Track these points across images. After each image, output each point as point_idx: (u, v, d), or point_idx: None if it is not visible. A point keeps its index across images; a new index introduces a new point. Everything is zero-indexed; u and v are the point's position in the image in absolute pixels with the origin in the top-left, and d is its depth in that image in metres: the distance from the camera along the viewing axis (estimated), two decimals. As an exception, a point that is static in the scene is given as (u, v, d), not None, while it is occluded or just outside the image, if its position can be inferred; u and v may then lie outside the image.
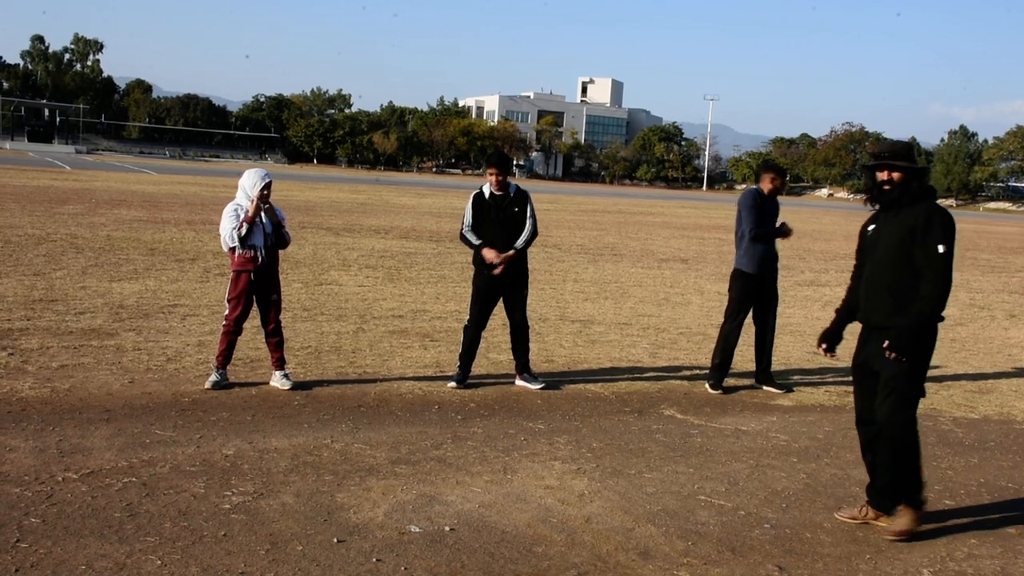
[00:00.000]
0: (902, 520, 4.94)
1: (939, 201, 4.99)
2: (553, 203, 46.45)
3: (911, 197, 4.89)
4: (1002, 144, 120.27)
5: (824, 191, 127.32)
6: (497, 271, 7.73)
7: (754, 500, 5.42)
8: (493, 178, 7.76)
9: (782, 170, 8.44)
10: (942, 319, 4.89)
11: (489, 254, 7.72)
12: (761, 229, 8.17)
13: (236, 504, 4.86)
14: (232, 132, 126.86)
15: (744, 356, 9.12)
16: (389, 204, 37.09)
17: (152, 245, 16.73)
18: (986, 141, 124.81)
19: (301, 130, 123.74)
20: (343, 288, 12.98)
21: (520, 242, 7.75)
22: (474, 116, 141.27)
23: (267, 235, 7.29)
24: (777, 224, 8.36)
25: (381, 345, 9.22)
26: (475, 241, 7.84)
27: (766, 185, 8.28)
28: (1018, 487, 5.96)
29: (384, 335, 9.75)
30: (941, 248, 4.76)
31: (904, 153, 4.92)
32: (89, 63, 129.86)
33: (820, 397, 8.16)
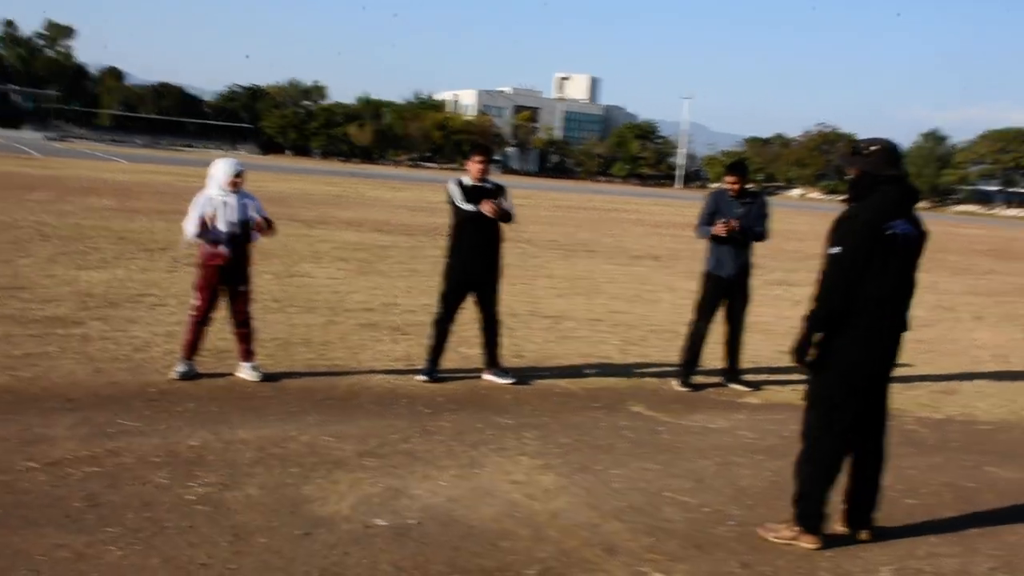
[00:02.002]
0: (786, 532, 4.81)
1: (918, 206, 4.93)
2: (528, 198, 46.43)
3: (856, 195, 4.82)
4: (973, 148, 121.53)
5: (797, 191, 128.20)
6: (488, 210, 7.58)
7: (720, 497, 5.45)
8: (478, 165, 7.69)
9: (740, 169, 8.37)
10: (822, 326, 4.66)
11: (486, 206, 7.59)
12: (700, 227, 8.32)
13: (200, 495, 4.83)
14: (206, 122, 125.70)
15: (713, 354, 9.18)
16: (363, 197, 36.94)
17: (122, 234, 16.57)
18: (956, 145, 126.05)
19: (275, 121, 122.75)
20: (314, 280, 12.93)
21: (507, 205, 7.69)
22: (450, 110, 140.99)
23: (234, 229, 7.21)
24: (728, 221, 8.20)
25: (351, 338, 9.19)
26: (468, 207, 7.66)
27: (728, 185, 8.30)
28: (979, 487, 6.04)
29: (354, 328, 9.71)
30: (832, 249, 4.59)
31: (855, 150, 4.87)
32: (61, 49, 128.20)
33: (788, 396, 8.22)
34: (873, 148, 4.75)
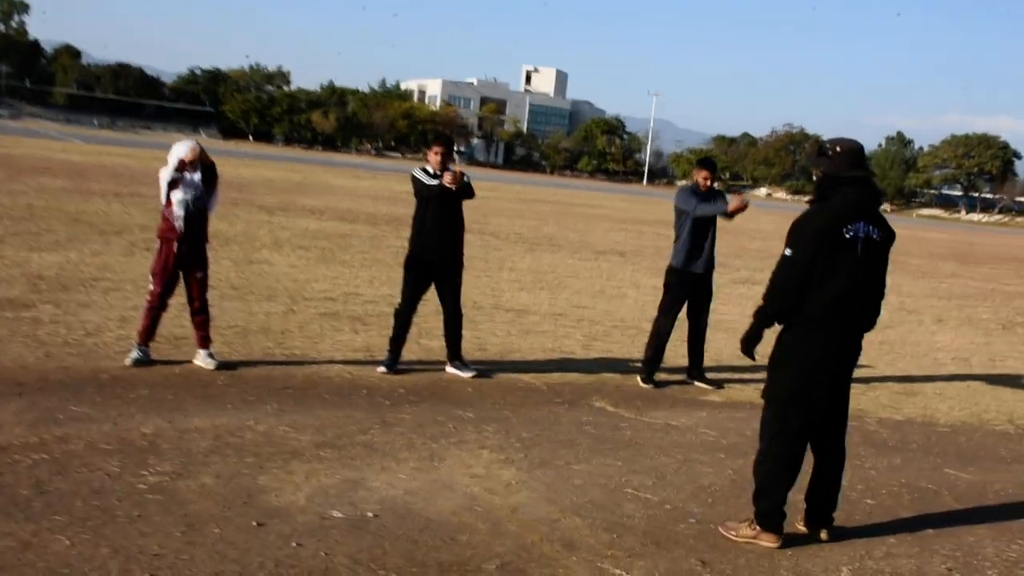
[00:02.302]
0: (746, 530, 4.85)
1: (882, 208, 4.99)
2: (493, 191, 46.38)
3: (820, 196, 4.84)
4: (937, 152, 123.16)
5: (763, 190, 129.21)
6: (449, 181, 7.56)
7: (681, 494, 5.48)
8: (437, 156, 7.68)
9: (712, 165, 8.47)
10: (771, 323, 4.78)
11: (447, 177, 7.57)
12: (704, 206, 8.18)
13: (152, 484, 4.76)
14: (165, 104, 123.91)
15: (677, 351, 9.22)
16: (326, 185, 36.71)
17: (76, 216, 16.32)
18: (921, 149, 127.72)
19: (237, 105, 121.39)
20: (274, 268, 12.82)
21: (467, 178, 7.66)
22: (416, 100, 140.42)
23: (189, 207, 7.11)
24: (742, 195, 8.33)
25: (311, 327, 9.13)
26: (433, 182, 7.65)
27: (700, 181, 8.33)
28: (938, 488, 6.12)
29: (314, 317, 9.65)
30: (786, 250, 4.66)
31: (821, 150, 4.90)
32: (14, 24, 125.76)
33: (750, 394, 8.28)
34: (838, 149, 4.77)
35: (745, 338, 4.90)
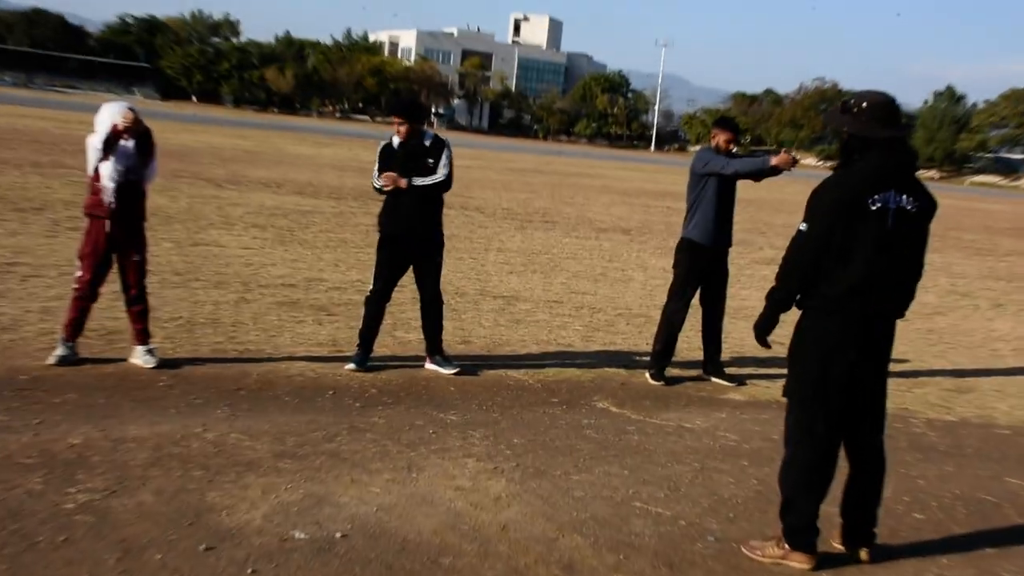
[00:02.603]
0: (773, 550, 4.86)
1: (919, 173, 4.94)
2: (476, 159, 46.36)
3: (845, 161, 4.76)
4: (994, 109, 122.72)
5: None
6: (383, 184, 7.69)
7: (697, 508, 5.48)
8: (398, 128, 7.73)
9: (735, 126, 8.47)
10: (788, 306, 4.82)
11: (384, 179, 7.68)
12: (737, 161, 8.10)
13: (82, 503, 4.73)
14: (91, 58, 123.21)
15: (691, 343, 9.22)
16: (283, 153, 36.61)
17: (-10, 191, 16.22)
18: (975, 105, 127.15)
19: (178, 60, 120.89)
20: (224, 250, 12.80)
21: (421, 180, 7.66)
22: (387, 53, 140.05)
23: (121, 177, 7.05)
24: (735, 196, 8.38)
25: (267, 318, 9.12)
26: (377, 183, 7.82)
27: (717, 142, 8.30)
28: (998, 500, 6.14)
29: (271, 306, 9.64)
30: (801, 225, 4.68)
31: (844, 107, 4.85)
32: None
33: (776, 392, 8.28)
34: (864, 104, 4.69)
35: (758, 323, 4.95)
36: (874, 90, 4.81)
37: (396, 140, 7.78)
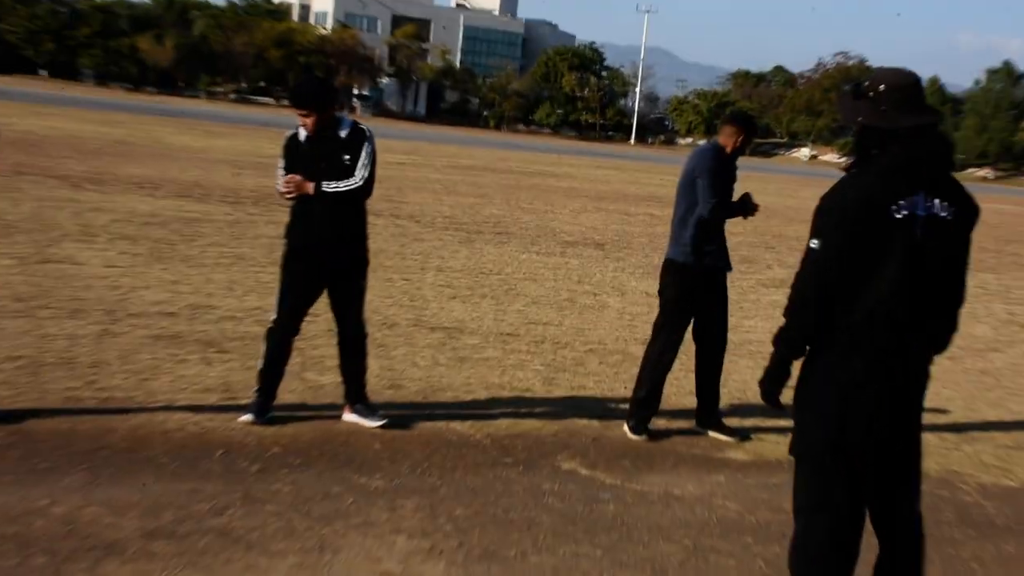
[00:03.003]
0: None
1: (968, 172, 4.92)
2: (411, 154, 46.41)
3: (860, 159, 4.79)
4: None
5: (805, 151, 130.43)
6: (283, 189, 7.73)
7: (690, 598, 5.48)
8: (304, 121, 7.68)
9: (753, 124, 8.62)
10: (795, 351, 4.71)
11: (286, 182, 7.71)
12: (719, 203, 8.29)
13: None
14: None
15: (681, 386, 9.24)
16: (161, 144, 36.43)
17: None
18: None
19: (21, 23, 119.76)
20: (83, 269, 12.70)
21: (333, 186, 7.62)
22: (296, 19, 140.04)
23: None
24: (735, 196, 8.54)
25: (139, 356, 9.04)
26: (278, 185, 7.85)
27: (727, 141, 8.38)
28: (1066, 585, 6.19)
29: (145, 341, 9.56)
30: (811, 242, 4.60)
31: (857, 91, 4.81)
32: None
33: (786, 449, 8.32)
34: (882, 87, 4.66)
35: (764, 378, 4.80)
36: (894, 68, 4.75)
37: (303, 132, 7.77)
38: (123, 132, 40.72)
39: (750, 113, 8.91)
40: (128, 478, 6.35)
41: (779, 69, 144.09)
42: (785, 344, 4.68)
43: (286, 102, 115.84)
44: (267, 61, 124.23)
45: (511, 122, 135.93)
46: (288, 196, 7.71)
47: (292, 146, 7.82)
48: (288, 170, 7.77)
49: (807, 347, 4.68)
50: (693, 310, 8.44)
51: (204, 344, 9.74)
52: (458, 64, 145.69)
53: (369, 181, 7.75)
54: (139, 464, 6.62)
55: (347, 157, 7.69)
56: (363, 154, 7.73)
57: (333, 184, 7.62)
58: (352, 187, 7.66)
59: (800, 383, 4.73)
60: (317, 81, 8.22)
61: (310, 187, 7.59)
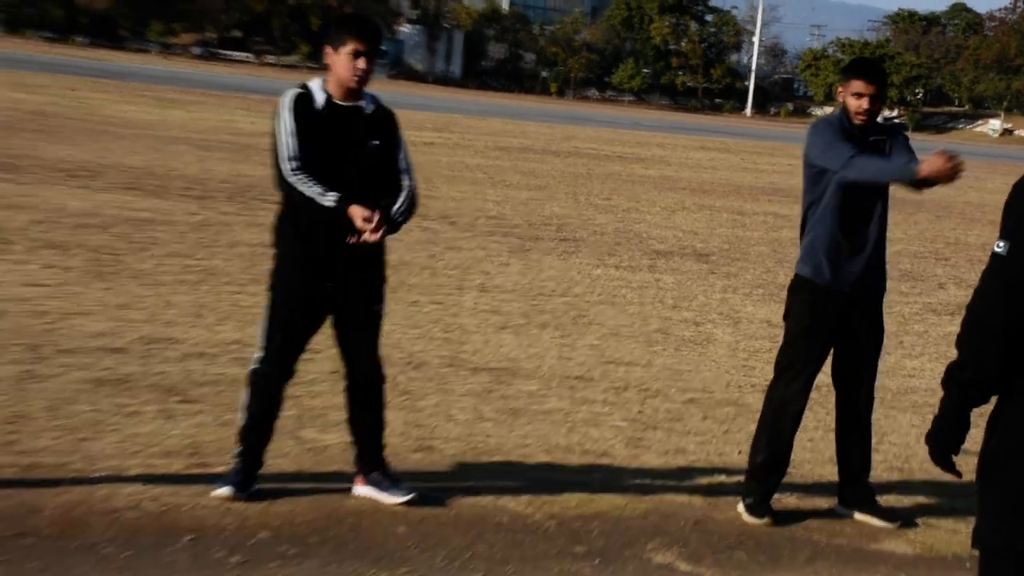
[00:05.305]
0: None
1: None
2: (443, 131, 46.40)
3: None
4: None
5: (995, 123, 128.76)
6: (368, 236, 7.43)
7: None
8: (357, 62, 7.52)
9: (878, 72, 8.49)
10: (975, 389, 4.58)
11: (358, 213, 7.35)
12: (862, 160, 8.06)
13: None
14: None
15: (817, 451, 9.26)
16: (98, 117, 36.54)
17: None
18: None
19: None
20: (-3, 288, 12.80)
21: (397, 208, 7.63)
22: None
23: None
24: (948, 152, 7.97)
25: (75, 408, 9.10)
26: (326, 200, 7.44)
27: (851, 102, 8.29)
28: None
29: (82, 387, 9.63)
30: (997, 245, 4.55)
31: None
32: None
33: (966, 540, 8.33)
34: None
35: (932, 433, 4.73)
36: None
37: (320, 94, 7.66)
38: (44, 99, 40.77)
39: (868, 59, 8.66)
40: (60, 574, 6.45)
41: (959, 8, 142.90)
42: (959, 388, 4.59)
43: (273, 58, 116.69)
44: (242, 4, 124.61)
45: (580, 86, 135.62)
46: (353, 240, 7.46)
47: (305, 112, 7.58)
48: (302, 148, 7.45)
49: (992, 393, 4.60)
50: (830, 344, 8.42)
51: (163, 391, 9.77)
52: (506, 6, 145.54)
53: (414, 188, 7.78)
54: (75, 556, 6.68)
55: (376, 142, 7.67)
56: (402, 147, 7.73)
57: (396, 204, 7.60)
58: (409, 204, 7.70)
59: (985, 445, 4.63)
60: (367, 18, 8.11)
61: (374, 224, 7.39)
